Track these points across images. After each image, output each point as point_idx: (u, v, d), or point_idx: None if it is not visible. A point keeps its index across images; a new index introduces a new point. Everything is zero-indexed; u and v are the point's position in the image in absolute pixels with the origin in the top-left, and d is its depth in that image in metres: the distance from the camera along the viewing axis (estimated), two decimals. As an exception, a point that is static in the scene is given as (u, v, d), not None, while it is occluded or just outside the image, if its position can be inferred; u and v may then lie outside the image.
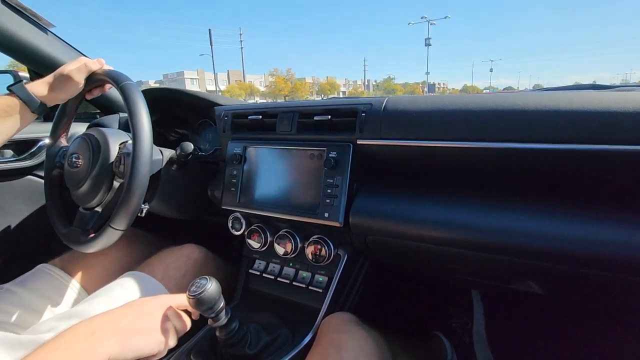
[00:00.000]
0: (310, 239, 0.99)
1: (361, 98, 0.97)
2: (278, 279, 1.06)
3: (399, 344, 0.97)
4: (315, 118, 0.97)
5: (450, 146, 0.80)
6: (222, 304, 0.72)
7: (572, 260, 0.70)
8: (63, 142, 1.10)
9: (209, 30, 38.43)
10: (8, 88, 0.89)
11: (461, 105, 0.80)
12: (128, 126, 0.88)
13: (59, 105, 1.05)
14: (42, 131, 1.36)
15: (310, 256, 0.99)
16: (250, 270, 1.12)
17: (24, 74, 1.39)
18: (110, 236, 0.88)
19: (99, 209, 0.99)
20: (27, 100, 0.89)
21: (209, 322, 0.75)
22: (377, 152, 0.91)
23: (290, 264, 1.06)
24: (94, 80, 0.98)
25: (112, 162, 0.98)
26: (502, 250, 0.76)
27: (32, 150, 1.36)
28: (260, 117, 1.06)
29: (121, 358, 0.60)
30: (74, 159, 0.99)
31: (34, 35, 1.26)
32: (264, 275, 1.08)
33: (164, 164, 1.08)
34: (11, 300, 0.92)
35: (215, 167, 1.27)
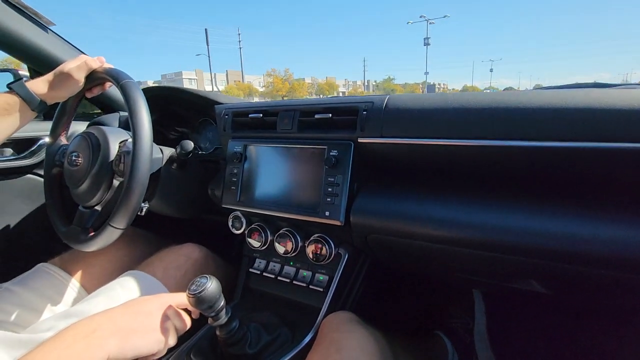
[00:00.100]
0: (311, 238, 0.98)
1: (362, 96, 0.97)
2: (278, 278, 1.06)
3: (400, 343, 0.96)
4: (316, 116, 0.96)
5: (452, 144, 0.79)
6: (222, 302, 0.72)
7: (575, 259, 0.70)
8: (63, 140, 1.10)
9: (205, 30, 38.33)
10: (8, 86, 0.89)
11: (463, 103, 0.80)
12: (128, 125, 0.88)
13: (59, 103, 1.05)
14: (42, 130, 1.35)
15: (310, 255, 0.98)
16: (250, 269, 1.11)
17: (24, 72, 1.39)
18: (110, 235, 0.88)
19: (98, 207, 0.99)
20: (27, 98, 0.89)
21: (209, 321, 0.75)
22: (378, 151, 0.91)
23: (291, 263, 1.06)
24: (94, 78, 0.98)
25: (112, 160, 0.97)
26: (504, 249, 0.76)
27: (32, 148, 1.36)
28: (261, 115, 1.05)
29: (121, 357, 0.60)
30: (73, 158, 0.98)
31: (35, 33, 1.25)
32: (264, 274, 1.08)
33: (164, 162, 1.08)
34: (11, 299, 0.92)
35: (215, 165, 1.27)
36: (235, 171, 1.08)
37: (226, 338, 0.78)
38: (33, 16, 1.24)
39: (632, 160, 0.65)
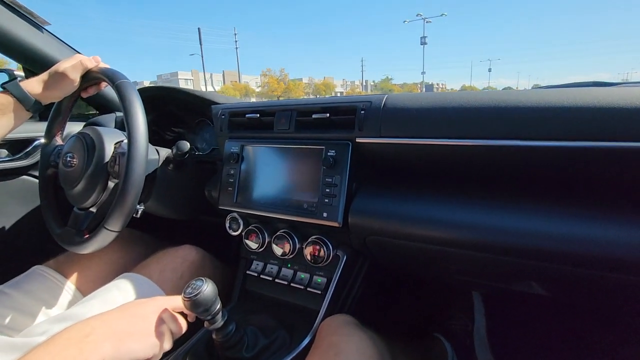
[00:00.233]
0: (309, 240, 0.97)
1: (360, 96, 0.96)
2: (276, 280, 1.05)
3: (399, 346, 0.95)
4: (314, 116, 0.95)
5: (451, 144, 0.78)
6: (218, 306, 0.71)
7: (574, 261, 0.69)
8: (58, 141, 1.09)
9: (198, 29, 38.04)
10: (2, 86, 0.88)
11: (462, 103, 0.79)
12: (124, 125, 0.87)
13: (54, 103, 1.04)
14: (37, 130, 1.34)
15: (308, 257, 0.97)
16: (247, 272, 1.10)
17: (19, 72, 1.38)
18: (105, 237, 0.87)
19: (93, 209, 0.98)
20: (22, 98, 0.88)
21: (205, 325, 0.74)
22: (377, 151, 0.90)
23: (289, 265, 1.05)
24: (89, 78, 0.97)
25: (107, 161, 0.96)
26: (504, 251, 0.75)
27: (27, 149, 1.35)
28: (258, 115, 1.05)
29: None
30: (68, 158, 0.97)
31: (29, 33, 1.24)
32: (261, 276, 1.07)
33: (160, 163, 1.07)
34: (5, 302, 0.91)
35: (212, 166, 1.26)
36: (232, 172, 1.07)
37: (223, 342, 0.78)
38: (28, 16, 1.23)
39: (632, 160, 0.64)
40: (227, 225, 1.11)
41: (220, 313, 0.73)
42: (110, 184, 0.98)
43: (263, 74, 50.27)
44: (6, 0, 1.15)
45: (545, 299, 1.05)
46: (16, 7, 1.18)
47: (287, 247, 0.99)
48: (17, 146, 1.34)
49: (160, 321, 0.67)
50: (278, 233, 1.01)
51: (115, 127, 1.35)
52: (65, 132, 1.11)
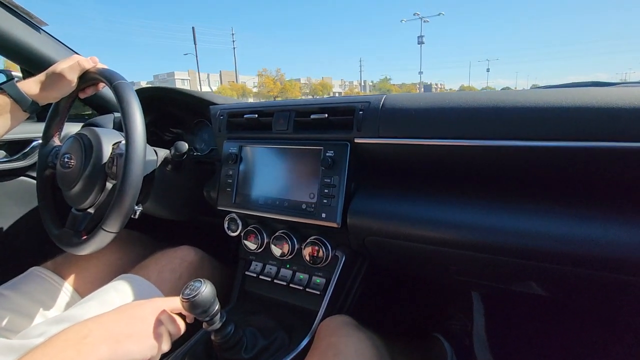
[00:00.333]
0: (308, 240, 0.97)
1: (359, 96, 0.96)
2: (275, 280, 1.04)
3: (398, 346, 0.95)
4: (312, 117, 0.95)
5: (449, 144, 0.78)
6: (216, 307, 0.71)
7: (575, 261, 0.69)
8: (56, 142, 1.08)
9: (193, 28, 37.60)
10: None
11: (461, 103, 0.79)
12: (122, 126, 0.86)
13: (51, 104, 1.03)
14: (35, 131, 1.34)
15: (307, 257, 0.97)
16: (246, 272, 1.10)
17: (17, 73, 1.37)
18: (103, 239, 0.87)
19: (91, 210, 0.97)
20: (19, 99, 0.88)
21: (203, 326, 0.73)
22: (375, 151, 0.90)
23: (288, 266, 1.05)
24: (87, 79, 0.96)
25: (105, 162, 0.96)
26: (503, 251, 0.75)
27: (25, 150, 1.34)
28: (256, 116, 1.04)
29: None
30: (66, 159, 0.97)
31: (27, 33, 1.24)
32: (260, 277, 1.07)
33: (158, 164, 1.06)
34: (2, 304, 0.91)
35: (211, 167, 1.25)
36: (230, 172, 1.07)
37: (221, 343, 0.77)
38: (25, 16, 1.22)
39: (631, 160, 0.64)
40: (226, 225, 1.11)
41: (219, 314, 0.72)
42: (108, 185, 0.97)
43: (259, 74, 49.63)
44: (3, 1, 1.15)
45: (545, 299, 1.05)
46: (13, 8, 1.18)
47: (286, 248, 0.99)
48: (14, 147, 1.34)
49: (158, 322, 0.66)
50: (277, 234, 1.01)
51: (113, 128, 1.34)
52: (63, 133, 1.10)
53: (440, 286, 1.40)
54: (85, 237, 0.90)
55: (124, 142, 0.90)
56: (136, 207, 0.91)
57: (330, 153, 0.91)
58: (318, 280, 0.99)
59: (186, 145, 1.04)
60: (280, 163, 1.00)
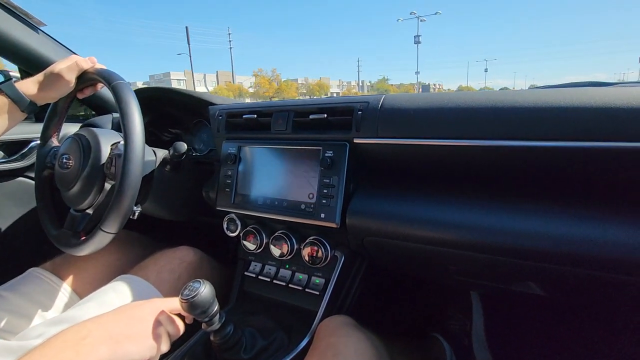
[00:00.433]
0: (307, 240, 0.97)
1: (357, 96, 0.96)
2: (274, 281, 1.04)
3: (397, 346, 0.95)
4: (311, 117, 0.95)
5: (448, 144, 0.78)
6: (216, 307, 0.71)
7: (574, 261, 0.69)
8: (54, 142, 1.08)
9: (186, 27, 36.85)
10: None
11: (459, 103, 0.79)
12: (121, 127, 0.86)
13: (50, 104, 1.03)
14: (33, 132, 1.34)
15: (306, 258, 0.97)
16: (245, 273, 1.10)
17: (15, 73, 1.37)
18: (101, 239, 0.86)
19: (90, 210, 0.97)
20: (16, 99, 0.87)
21: (202, 327, 0.73)
22: (374, 151, 0.90)
23: (287, 266, 1.04)
24: (85, 79, 0.96)
25: (104, 163, 0.96)
26: (502, 252, 0.75)
27: (24, 151, 1.34)
28: (255, 116, 1.04)
29: None
30: (64, 160, 0.97)
31: (25, 34, 1.23)
32: (259, 277, 1.07)
33: (157, 164, 1.06)
34: (0, 305, 0.90)
35: (210, 167, 1.25)
36: (229, 173, 1.07)
37: (220, 343, 0.77)
38: (23, 17, 1.22)
39: (630, 160, 0.64)
40: (225, 226, 1.11)
41: (218, 315, 0.72)
42: (107, 186, 0.97)
43: (254, 74, 48.82)
44: (1, 1, 1.15)
45: (544, 299, 1.05)
46: (11, 8, 1.18)
47: (285, 248, 0.99)
48: (13, 148, 1.33)
49: (157, 323, 0.66)
50: (276, 234, 1.01)
51: (112, 129, 1.34)
52: (61, 134, 1.10)
53: (439, 286, 1.40)
54: (83, 237, 0.90)
55: (122, 142, 0.90)
56: (135, 207, 0.91)
57: (329, 153, 0.91)
58: (317, 281, 0.99)
59: (185, 145, 1.04)
60: (279, 163, 1.00)
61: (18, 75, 1.35)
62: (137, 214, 0.94)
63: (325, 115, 0.93)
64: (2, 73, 1.37)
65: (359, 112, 0.89)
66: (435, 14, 47.89)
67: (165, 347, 0.67)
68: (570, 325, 1.16)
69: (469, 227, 0.77)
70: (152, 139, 1.42)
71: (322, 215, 0.91)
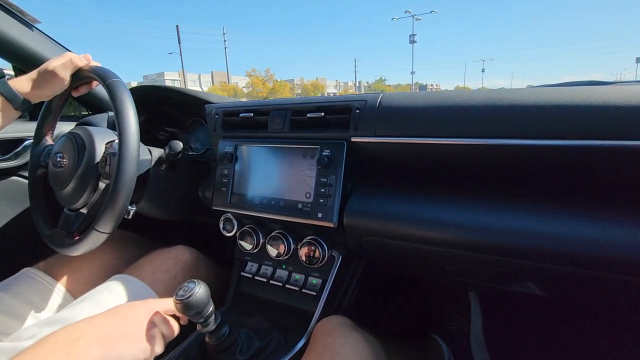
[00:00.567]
0: (304, 240, 0.96)
1: (355, 95, 0.95)
2: (271, 281, 1.03)
3: (395, 347, 0.95)
4: (308, 115, 0.94)
5: (447, 143, 0.77)
6: (211, 308, 0.70)
7: (574, 261, 0.68)
8: (49, 141, 1.07)
9: (177, 26, 36.01)
10: None
11: (458, 102, 0.78)
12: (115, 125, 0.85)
13: (45, 103, 1.02)
14: (28, 130, 1.32)
15: (303, 258, 0.96)
16: (242, 273, 1.09)
17: (9, 71, 1.36)
18: (95, 239, 0.85)
19: (84, 210, 0.96)
20: (10, 97, 0.86)
21: (197, 328, 0.72)
22: (372, 150, 0.89)
23: (284, 266, 1.04)
24: (80, 77, 0.95)
25: (98, 162, 0.95)
26: (501, 251, 0.74)
27: (17, 150, 1.32)
28: (252, 114, 1.03)
29: None
30: (58, 159, 0.96)
31: (19, 31, 1.22)
32: (256, 277, 1.06)
33: (152, 163, 1.05)
34: None
35: (206, 166, 1.24)
36: (225, 172, 1.06)
37: (216, 345, 0.76)
38: (18, 14, 1.21)
39: (629, 158, 0.63)
40: (221, 226, 1.10)
41: (213, 315, 0.72)
42: (101, 185, 0.96)
43: (248, 74, 48.10)
44: None
45: (543, 299, 1.04)
46: (5, 5, 1.17)
47: (282, 248, 0.98)
48: (6, 146, 1.32)
49: (152, 324, 0.65)
50: (273, 234, 1.00)
51: (107, 127, 1.33)
52: (56, 132, 1.09)
53: (437, 286, 1.39)
54: (77, 237, 0.89)
55: (117, 141, 0.89)
56: (130, 207, 0.90)
57: (326, 152, 0.91)
58: (314, 281, 0.98)
59: (180, 144, 1.03)
60: (276, 162, 0.99)
61: (12, 73, 1.34)
62: (131, 213, 0.93)
63: (323, 114, 0.92)
64: (-4, 71, 1.36)
65: (357, 111, 0.88)
66: (430, 12, 47.07)
67: (159, 349, 0.66)
68: (569, 325, 1.16)
69: (468, 227, 0.76)
70: (148, 137, 1.41)
71: (319, 215, 0.90)
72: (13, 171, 1.33)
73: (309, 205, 0.92)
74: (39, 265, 1.02)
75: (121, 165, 0.81)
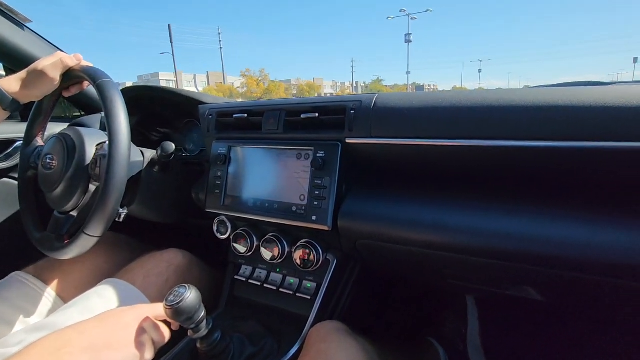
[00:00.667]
0: (298, 243, 0.95)
1: (350, 95, 0.94)
2: (265, 285, 1.02)
3: (390, 351, 0.93)
4: (303, 116, 0.93)
5: (443, 144, 0.76)
6: (202, 313, 0.68)
7: (572, 266, 0.67)
8: (39, 142, 1.05)
9: (169, 25, 35.27)
10: None
11: (454, 102, 0.77)
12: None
13: (35, 103, 1.00)
14: (18, 131, 1.30)
15: (298, 261, 0.95)
16: (235, 276, 1.07)
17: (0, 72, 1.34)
18: (85, 243, 0.83)
19: (74, 213, 0.94)
20: None
21: (189, 333, 0.71)
22: (367, 152, 0.88)
23: (278, 270, 1.02)
24: (71, 77, 0.93)
25: (88, 164, 0.93)
26: (498, 255, 0.73)
27: (8, 151, 1.30)
28: (246, 115, 1.02)
29: None
30: (48, 160, 0.94)
31: (10, 31, 1.20)
32: (250, 281, 1.04)
33: (144, 165, 1.03)
34: None
35: (200, 168, 1.23)
36: (219, 174, 1.04)
37: (207, 351, 0.75)
38: (8, 13, 1.19)
39: (628, 160, 0.62)
40: (215, 228, 1.08)
41: (205, 321, 0.70)
42: (92, 187, 0.94)
43: (242, 74, 47.66)
44: None
45: (540, 303, 1.03)
46: (-4, 5, 1.15)
47: (276, 251, 0.96)
48: (-4, 147, 1.30)
49: (141, 330, 0.64)
50: (267, 237, 0.98)
51: (100, 129, 1.31)
52: (47, 133, 1.07)
53: (433, 290, 1.38)
54: (67, 241, 0.87)
55: (108, 142, 0.87)
56: (120, 210, 0.88)
57: (321, 153, 0.89)
58: (309, 285, 0.97)
59: (173, 145, 1.02)
60: (270, 164, 0.98)
61: (2, 73, 1.32)
62: (122, 216, 0.91)
63: (317, 115, 0.91)
64: (-16, 71, 1.34)
65: (352, 112, 0.87)
66: (425, 11, 46.33)
67: (149, 356, 0.65)
68: (566, 329, 1.15)
69: (464, 230, 0.75)
70: (140, 139, 1.39)
71: (314, 218, 0.88)
72: (3, 173, 1.31)
73: (303, 207, 0.91)
74: (28, 269, 1.00)
75: (111, 167, 0.80)
